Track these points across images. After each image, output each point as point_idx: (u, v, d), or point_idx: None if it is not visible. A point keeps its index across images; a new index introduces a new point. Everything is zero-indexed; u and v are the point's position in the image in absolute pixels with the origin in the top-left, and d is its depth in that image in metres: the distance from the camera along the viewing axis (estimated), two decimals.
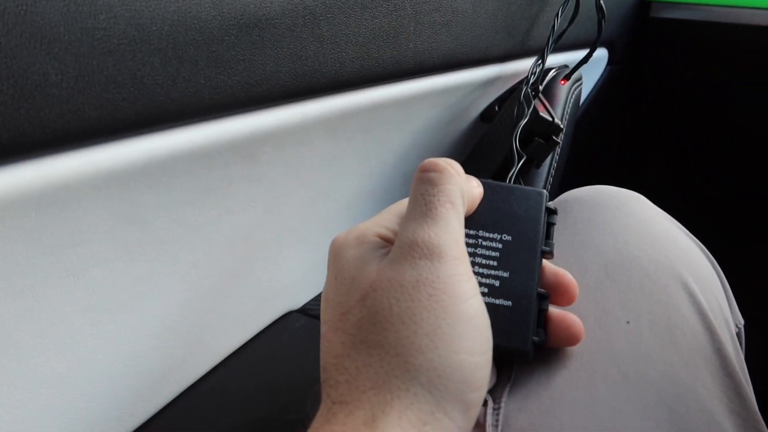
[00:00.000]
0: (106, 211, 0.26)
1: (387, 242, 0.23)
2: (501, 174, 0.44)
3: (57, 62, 0.21)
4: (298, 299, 0.45)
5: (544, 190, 0.28)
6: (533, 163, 0.44)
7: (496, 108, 0.51)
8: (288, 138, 0.33)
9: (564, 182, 0.50)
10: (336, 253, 0.23)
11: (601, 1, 0.45)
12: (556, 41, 0.46)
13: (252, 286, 0.39)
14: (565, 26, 0.46)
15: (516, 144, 0.38)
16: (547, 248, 0.27)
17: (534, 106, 0.43)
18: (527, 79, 0.45)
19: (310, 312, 0.45)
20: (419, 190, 0.22)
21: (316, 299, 0.46)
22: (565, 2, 0.46)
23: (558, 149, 0.47)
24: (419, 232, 0.21)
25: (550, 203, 0.28)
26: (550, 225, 0.27)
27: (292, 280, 0.43)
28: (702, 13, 0.58)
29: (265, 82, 0.29)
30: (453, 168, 0.23)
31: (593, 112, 0.60)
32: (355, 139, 0.39)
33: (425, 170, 0.23)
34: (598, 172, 0.67)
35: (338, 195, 0.42)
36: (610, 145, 0.69)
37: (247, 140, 0.31)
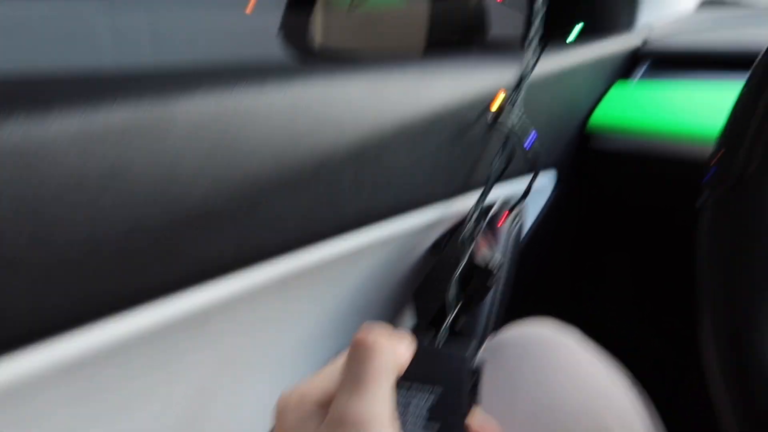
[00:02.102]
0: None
1: (325, 407, 0.26)
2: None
3: None
4: None
5: (468, 355, 0.31)
6: (474, 301, 0.48)
7: (445, 241, 0.55)
8: (235, 306, 0.37)
9: (511, 310, 0.53)
10: (278, 415, 0.26)
11: (531, 150, 0.50)
12: (495, 182, 0.51)
13: None
14: (502, 170, 0.51)
15: (449, 294, 0.42)
16: (472, 406, 0.30)
17: (472, 249, 0.47)
18: (467, 218, 0.49)
19: None
20: (350, 365, 0.25)
21: None
22: (502, 148, 0.51)
23: (500, 284, 0.51)
24: (349, 407, 0.24)
25: (483, 348, 0.31)
26: (475, 385, 0.30)
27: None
28: (640, 144, 0.63)
29: (210, 264, 0.33)
30: (382, 342, 0.26)
31: (541, 237, 0.64)
32: (304, 296, 0.42)
33: (355, 345, 0.26)
34: (546, 298, 0.71)
35: (291, 346, 0.46)
36: (557, 269, 0.73)
37: (196, 313, 0.34)
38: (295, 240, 0.38)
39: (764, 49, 0.31)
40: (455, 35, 0.75)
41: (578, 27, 0.55)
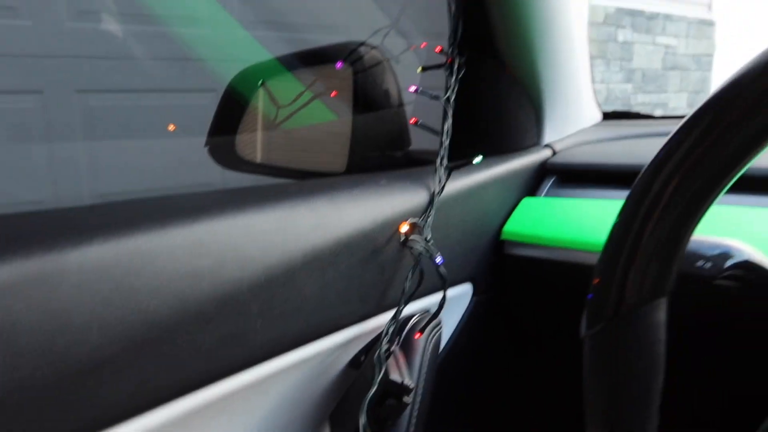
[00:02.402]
0: None
1: None
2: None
3: None
4: None
5: None
6: (388, 422, 0.48)
7: (363, 357, 0.55)
8: None
9: (430, 428, 0.53)
10: None
11: (440, 270, 0.52)
12: (408, 300, 0.52)
13: None
14: (414, 288, 0.53)
15: (362, 417, 0.42)
16: None
17: (386, 368, 0.48)
18: (382, 337, 0.50)
19: None
20: None
21: None
22: (414, 267, 0.53)
23: (417, 402, 0.51)
24: None
25: None
26: None
27: None
28: (550, 252, 0.66)
29: (106, 412, 0.32)
30: None
31: (460, 349, 0.65)
32: (212, 429, 0.41)
33: None
34: (464, 415, 0.71)
35: None
36: (478, 382, 0.74)
37: None
38: (198, 379, 0.37)
39: (638, 176, 0.33)
40: (377, 151, 0.79)
41: (479, 158, 0.59)
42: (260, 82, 0.82)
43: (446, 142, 0.60)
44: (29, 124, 2.10)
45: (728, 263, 0.40)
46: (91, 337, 0.31)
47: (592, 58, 0.92)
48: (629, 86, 4.29)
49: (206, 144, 0.84)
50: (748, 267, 0.40)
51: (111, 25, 2.17)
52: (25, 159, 2.02)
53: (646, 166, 0.31)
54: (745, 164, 0.28)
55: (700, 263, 0.40)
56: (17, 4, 2.10)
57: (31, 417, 0.29)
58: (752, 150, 0.28)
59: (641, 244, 0.31)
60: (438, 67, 0.66)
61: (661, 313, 0.32)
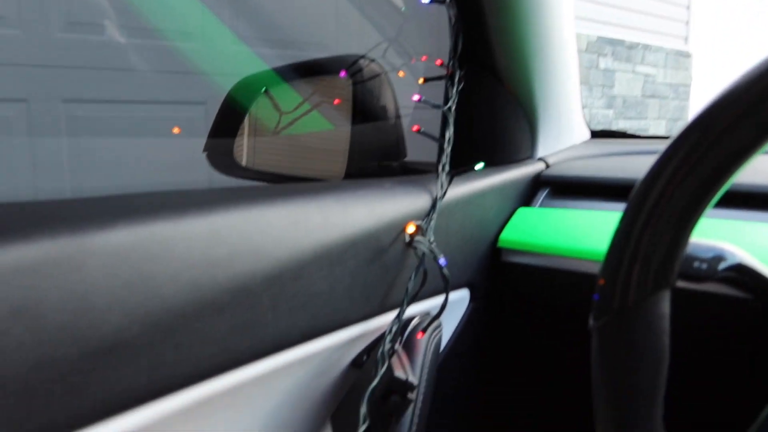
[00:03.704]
0: None
1: None
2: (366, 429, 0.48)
3: None
4: None
5: None
6: (392, 419, 0.48)
7: (365, 357, 0.56)
8: None
9: (430, 428, 0.54)
10: None
11: (444, 270, 0.53)
12: (411, 301, 0.53)
13: None
14: (418, 289, 0.54)
15: (363, 410, 0.43)
16: None
17: (390, 365, 0.49)
18: (385, 336, 0.51)
19: None
20: None
21: None
22: (417, 268, 0.54)
23: (419, 401, 0.52)
24: None
25: None
26: None
27: None
28: (545, 260, 0.68)
29: (121, 394, 0.32)
30: None
31: (458, 352, 0.66)
32: (217, 423, 0.42)
33: None
34: (463, 416, 0.72)
35: None
36: (476, 384, 0.75)
37: None
38: (210, 367, 0.38)
39: (636, 186, 0.36)
40: (374, 161, 0.81)
41: (480, 165, 0.61)
42: (261, 90, 0.83)
43: (448, 149, 0.62)
44: (13, 131, 2.08)
45: (722, 265, 0.42)
46: (113, 319, 0.31)
47: None
48: (611, 112, 4.39)
49: (204, 150, 0.84)
50: (742, 269, 0.42)
51: (101, 36, 2.17)
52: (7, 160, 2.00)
53: (646, 172, 0.34)
54: (741, 164, 0.31)
55: (696, 264, 0.42)
56: (7, 13, 2.09)
57: (51, 393, 0.29)
58: (748, 150, 0.31)
59: (644, 239, 0.33)
60: (438, 78, 0.68)
61: (665, 304, 0.34)
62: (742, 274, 0.43)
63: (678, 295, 0.36)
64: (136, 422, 0.34)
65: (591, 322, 0.35)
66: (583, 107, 0.93)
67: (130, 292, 0.32)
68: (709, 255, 0.43)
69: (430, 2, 0.67)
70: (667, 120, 5.01)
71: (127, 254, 0.33)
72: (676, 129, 0.33)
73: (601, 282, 0.35)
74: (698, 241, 0.43)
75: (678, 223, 0.33)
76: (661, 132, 4.89)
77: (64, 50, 2.12)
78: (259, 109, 0.85)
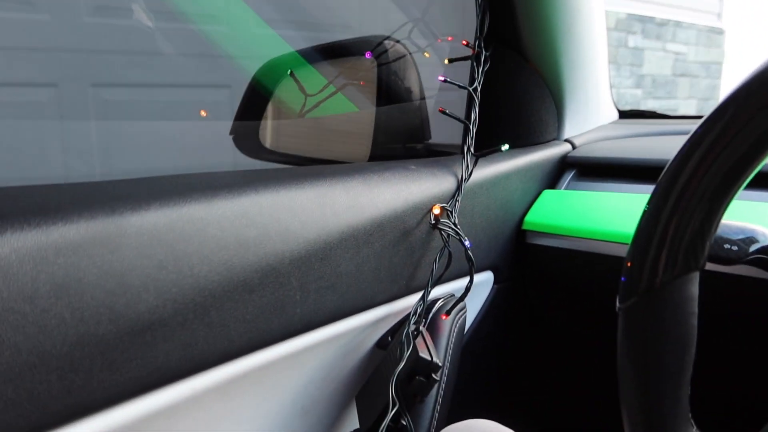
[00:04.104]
0: None
1: None
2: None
3: None
4: None
5: None
6: (417, 399, 0.49)
7: (389, 338, 0.57)
8: (180, 411, 0.37)
9: (454, 409, 0.54)
10: None
11: (469, 252, 0.53)
12: (435, 283, 0.54)
13: None
14: (442, 271, 0.54)
15: (392, 391, 0.43)
16: None
17: (414, 346, 0.49)
18: (410, 317, 0.51)
19: None
20: None
21: None
22: (442, 250, 0.54)
23: (443, 381, 0.52)
24: None
25: None
26: None
27: None
28: (570, 242, 0.68)
29: (156, 372, 0.34)
30: None
31: (482, 335, 0.66)
32: (247, 400, 0.43)
33: None
34: (487, 397, 0.72)
35: None
36: (499, 366, 0.75)
37: (141, 421, 0.34)
38: (242, 346, 0.39)
39: (666, 167, 0.36)
40: (398, 143, 0.81)
41: (506, 146, 0.61)
42: (288, 72, 0.83)
43: (473, 130, 0.61)
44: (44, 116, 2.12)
45: (754, 247, 0.42)
46: (149, 298, 0.32)
47: None
48: (639, 91, 4.29)
49: (231, 133, 0.85)
50: None
51: (129, 21, 2.19)
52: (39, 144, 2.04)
53: (676, 153, 0.33)
54: None
55: (726, 246, 0.42)
56: None
57: (91, 370, 0.30)
58: None
59: (673, 221, 0.33)
60: (464, 59, 0.67)
61: (693, 286, 0.33)
62: None
63: (708, 277, 0.35)
64: (171, 398, 0.36)
65: (618, 303, 0.35)
66: (611, 87, 0.91)
67: (164, 272, 0.33)
68: (740, 236, 0.42)
69: None
70: (698, 99, 4.89)
71: (161, 235, 0.34)
72: (708, 109, 0.33)
73: (629, 264, 0.35)
74: (729, 222, 0.43)
75: (708, 205, 0.32)
76: (692, 112, 4.78)
77: (91, 35, 2.15)
78: (284, 92, 0.86)
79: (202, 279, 0.35)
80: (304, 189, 0.43)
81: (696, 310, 0.33)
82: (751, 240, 0.42)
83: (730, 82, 4.98)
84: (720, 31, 5.01)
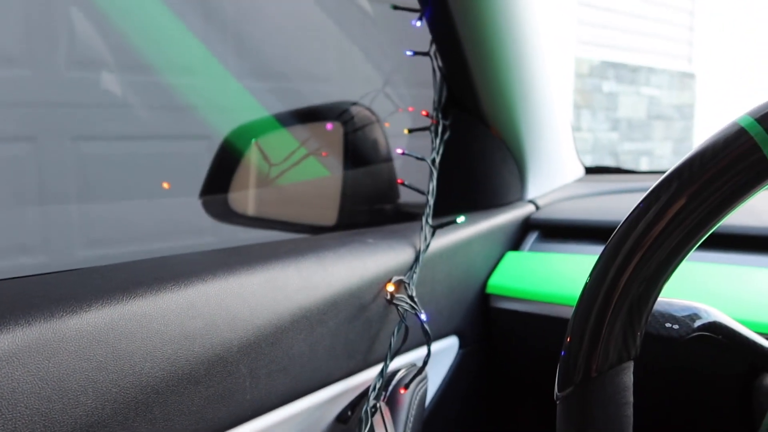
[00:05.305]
0: None
1: None
2: None
3: None
4: None
5: None
6: None
7: (349, 413, 0.56)
8: None
9: None
10: None
11: (425, 326, 0.54)
12: (394, 355, 0.54)
13: None
14: (400, 344, 0.54)
15: None
16: None
17: (371, 425, 0.49)
18: (368, 393, 0.51)
19: None
20: None
21: None
22: (399, 324, 0.54)
23: None
24: None
25: None
26: None
27: None
28: (533, 306, 0.68)
29: None
30: None
31: (448, 399, 0.66)
32: None
33: None
34: None
35: None
36: (469, 430, 0.75)
37: None
38: None
39: (605, 245, 0.36)
40: (367, 205, 0.82)
41: (462, 218, 0.62)
42: (255, 138, 0.85)
43: (431, 201, 0.63)
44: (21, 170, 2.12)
45: (696, 324, 0.42)
46: (87, 401, 0.32)
47: (578, 107, 0.96)
48: (615, 135, 4.39)
49: (200, 196, 0.86)
50: (716, 328, 0.42)
51: (108, 74, 2.22)
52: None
53: (614, 232, 0.34)
54: (706, 232, 0.31)
55: (668, 324, 0.42)
56: (17, 54, 2.15)
57: None
58: (714, 217, 0.31)
59: (608, 311, 0.33)
60: (423, 129, 0.69)
61: (627, 376, 0.34)
62: (716, 332, 0.43)
63: (652, 350, 0.36)
64: None
65: (557, 392, 0.35)
66: (587, 131, 0.93)
67: (104, 373, 0.33)
68: (683, 314, 0.43)
69: (413, 54, 0.69)
70: (674, 141, 5.01)
71: (101, 335, 0.34)
72: (683, 151, 0.33)
73: (568, 340, 0.35)
74: (670, 300, 0.43)
75: (647, 285, 0.33)
76: (668, 153, 4.88)
77: (70, 88, 2.17)
78: (254, 157, 0.87)
79: (145, 376, 0.35)
80: (254, 273, 0.44)
81: (631, 399, 0.34)
82: (694, 317, 0.42)
83: (703, 122, 5.12)
84: (691, 75, 5.17)
